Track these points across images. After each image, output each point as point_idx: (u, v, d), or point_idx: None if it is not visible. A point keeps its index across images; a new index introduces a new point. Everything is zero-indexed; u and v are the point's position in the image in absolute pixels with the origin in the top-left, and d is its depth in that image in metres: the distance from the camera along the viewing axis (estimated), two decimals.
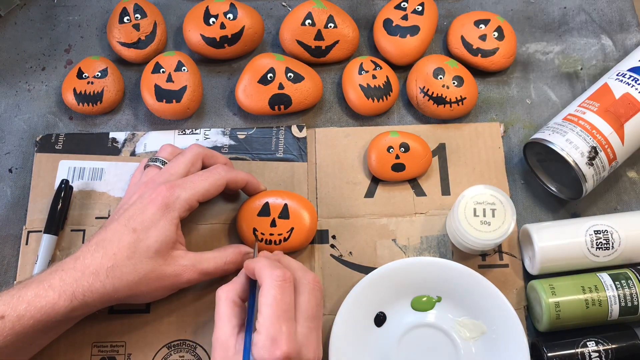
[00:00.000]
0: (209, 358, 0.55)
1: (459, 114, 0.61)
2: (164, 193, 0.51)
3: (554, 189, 0.60)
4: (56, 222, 0.58)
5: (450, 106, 0.59)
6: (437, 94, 0.58)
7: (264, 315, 0.45)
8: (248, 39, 0.64)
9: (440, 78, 0.59)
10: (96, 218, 0.60)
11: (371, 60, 0.63)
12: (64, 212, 0.59)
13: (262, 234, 0.56)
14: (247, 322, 0.48)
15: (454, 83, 0.59)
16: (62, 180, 0.59)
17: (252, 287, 0.50)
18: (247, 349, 0.45)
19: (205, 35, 0.63)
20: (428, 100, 0.58)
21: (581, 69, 0.66)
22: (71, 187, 0.60)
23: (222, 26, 0.63)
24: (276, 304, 0.45)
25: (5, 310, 0.45)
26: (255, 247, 0.55)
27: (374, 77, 0.62)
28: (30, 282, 0.47)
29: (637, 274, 0.54)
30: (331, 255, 0.59)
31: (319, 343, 0.48)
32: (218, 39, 0.63)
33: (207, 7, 0.63)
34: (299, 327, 0.46)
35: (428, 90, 0.60)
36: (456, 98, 0.60)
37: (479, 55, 0.64)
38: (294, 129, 0.63)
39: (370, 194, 0.61)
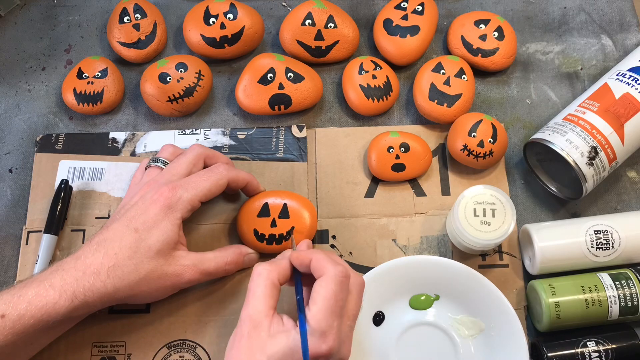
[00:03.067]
0: (209, 358, 0.55)
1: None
2: (167, 194, 0.51)
3: (554, 189, 0.60)
4: (56, 222, 0.58)
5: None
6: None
7: (318, 307, 0.45)
8: (248, 39, 0.64)
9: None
10: (96, 218, 0.60)
11: (371, 60, 0.63)
12: (63, 212, 0.59)
13: (263, 234, 0.56)
14: (300, 312, 0.47)
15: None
16: (62, 180, 0.59)
17: (296, 276, 0.50)
18: (304, 341, 0.45)
19: (205, 35, 0.63)
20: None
21: (581, 69, 0.66)
22: (71, 187, 0.60)
23: (222, 26, 0.63)
24: (334, 298, 0.45)
25: (5, 309, 0.45)
26: (292, 240, 0.55)
27: (374, 77, 0.62)
28: (31, 282, 0.47)
29: (637, 274, 0.54)
30: None
31: (352, 343, 0.48)
32: (218, 39, 0.63)
33: (207, 7, 0.63)
34: (342, 324, 0.46)
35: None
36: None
37: (479, 55, 0.64)
38: (294, 129, 0.63)
39: (370, 194, 0.61)
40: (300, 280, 0.49)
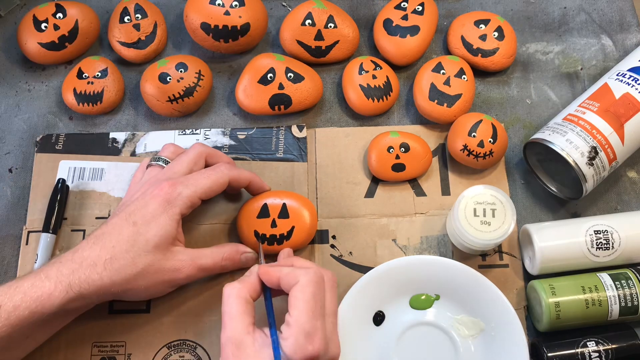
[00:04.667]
0: (209, 358, 0.55)
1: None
2: (166, 189, 0.51)
3: (554, 189, 0.60)
4: (54, 221, 0.58)
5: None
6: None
7: (299, 311, 0.45)
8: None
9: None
10: (96, 218, 0.60)
11: (371, 60, 0.63)
12: (61, 211, 0.59)
13: (264, 234, 0.56)
14: (270, 319, 0.47)
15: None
16: (59, 179, 0.59)
17: (265, 291, 0.50)
18: (276, 344, 0.45)
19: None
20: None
21: (581, 69, 0.66)
22: (67, 187, 0.60)
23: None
24: (314, 300, 0.45)
25: (2, 300, 0.45)
26: (260, 250, 0.55)
27: (374, 77, 0.62)
28: (29, 274, 0.48)
29: (637, 274, 0.54)
30: (331, 255, 0.59)
31: (338, 338, 0.48)
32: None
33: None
34: (326, 323, 0.46)
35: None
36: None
37: (479, 55, 0.64)
38: (294, 129, 0.63)
39: (370, 194, 0.61)
40: (270, 294, 0.50)
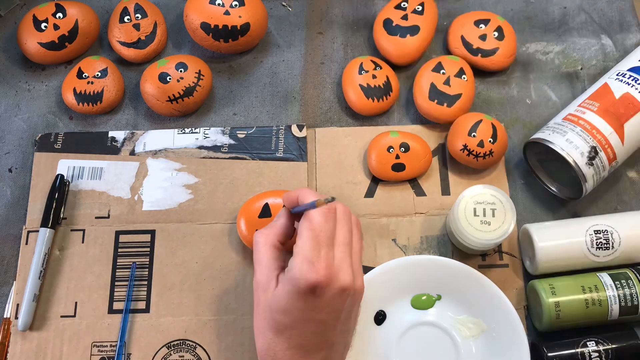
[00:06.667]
0: (209, 358, 0.55)
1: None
2: None
3: (554, 189, 0.60)
4: (52, 216, 0.58)
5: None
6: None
7: (303, 238, 0.44)
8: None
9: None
10: (96, 218, 0.60)
11: (371, 60, 0.63)
12: (60, 206, 0.59)
13: None
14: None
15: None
16: (57, 175, 0.60)
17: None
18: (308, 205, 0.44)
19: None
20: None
21: (581, 69, 0.66)
22: (65, 183, 0.60)
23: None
24: (319, 228, 0.44)
25: None
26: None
27: (374, 77, 0.62)
28: None
29: (637, 274, 0.54)
30: None
31: (356, 270, 0.46)
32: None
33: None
34: (334, 252, 0.45)
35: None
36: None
37: (479, 55, 0.64)
38: (294, 129, 0.63)
39: (370, 194, 0.61)
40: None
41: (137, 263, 0.58)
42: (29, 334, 0.56)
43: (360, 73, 0.62)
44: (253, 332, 0.52)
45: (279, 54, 0.67)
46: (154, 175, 0.61)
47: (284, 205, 0.50)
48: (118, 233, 0.59)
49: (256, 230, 0.48)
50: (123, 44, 0.64)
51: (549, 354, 0.53)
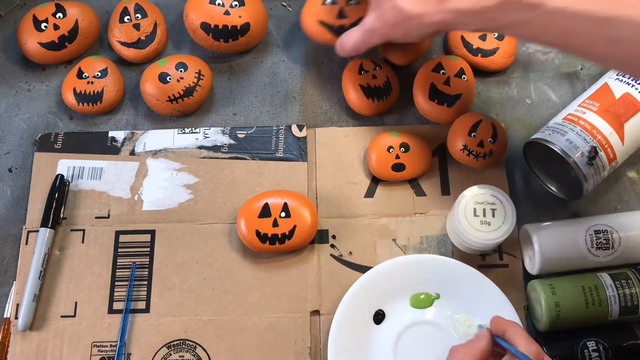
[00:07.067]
0: (209, 358, 0.55)
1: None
2: None
3: (554, 189, 0.60)
4: (52, 216, 0.58)
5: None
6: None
7: None
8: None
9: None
10: (96, 218, 0.60)
11: (371, 60, 0.63)
12: (59, 206, 0.59)
13: (266, 234, 0.56)
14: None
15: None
16: (57, 175, 0.60)
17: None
18: None
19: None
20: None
21: (581, 69, 0.66)
22: (65, 182, 0.60)
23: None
24: None
25: None
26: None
27: (374, 77, 0.62)
28: None
29: (637, 274, 0.54)
30: (331, 255, 0.58)
31: None
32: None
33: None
34: None
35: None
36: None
37: (479, 55, 0.64)
38: (294, 129, 0.63)
39: (370, 193, 0.61)
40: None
41: (137, 263, 0.58)
42: (29, 334, 0.56)
43: (360, 73, 0.62)
44: (253, 332, 0.52)
45: (279, 54, 0.67)
46: (154, 175, 0.61)
47: (488, 329, 0.49)
48: (118, 233, 0.59)
49: (452, 346, 0.47)
50: (123, 44, 0.64)
51: (549, 354, 0.53)
